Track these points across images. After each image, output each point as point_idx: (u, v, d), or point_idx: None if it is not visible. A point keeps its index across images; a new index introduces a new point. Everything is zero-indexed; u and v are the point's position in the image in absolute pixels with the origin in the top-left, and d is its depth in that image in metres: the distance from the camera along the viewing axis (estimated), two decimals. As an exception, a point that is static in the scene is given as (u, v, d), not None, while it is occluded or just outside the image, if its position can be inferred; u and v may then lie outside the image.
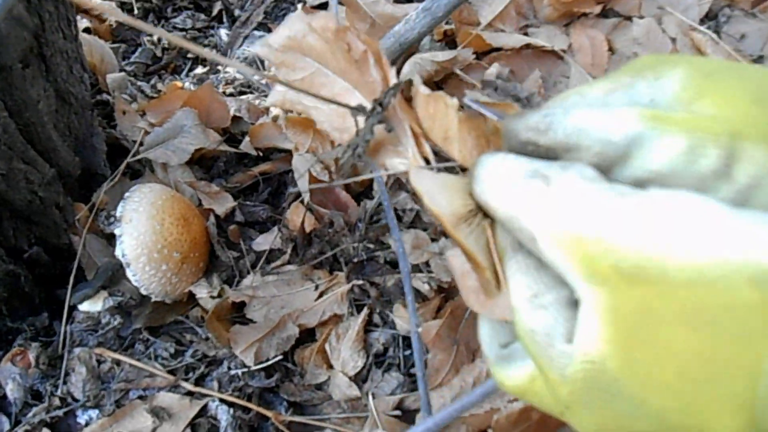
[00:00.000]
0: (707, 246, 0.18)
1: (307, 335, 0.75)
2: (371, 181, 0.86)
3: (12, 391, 0.70)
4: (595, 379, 0.20)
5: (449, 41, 1.00)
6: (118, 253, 0.74)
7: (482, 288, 0.26)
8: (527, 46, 0.90)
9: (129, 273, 0.74)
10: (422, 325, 0.69)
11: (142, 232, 0.74)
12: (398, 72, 0.91)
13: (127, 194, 0.77)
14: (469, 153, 0.27)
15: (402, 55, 0.92)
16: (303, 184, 0.87)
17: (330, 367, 0.73)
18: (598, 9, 0.97)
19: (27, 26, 0.69)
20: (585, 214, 0.20)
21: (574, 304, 0.22)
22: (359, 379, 0.71)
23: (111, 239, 0.85)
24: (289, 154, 0.94)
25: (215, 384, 0.69)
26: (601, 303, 0.19)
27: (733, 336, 0.18)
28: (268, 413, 0.65)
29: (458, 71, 0.92)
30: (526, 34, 0.93)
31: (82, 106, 0.87)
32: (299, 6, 1.11)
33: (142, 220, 0.74)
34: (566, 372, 0.21)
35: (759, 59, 0.96)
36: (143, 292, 0.76)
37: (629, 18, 0.99)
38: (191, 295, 0.78)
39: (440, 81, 0.97)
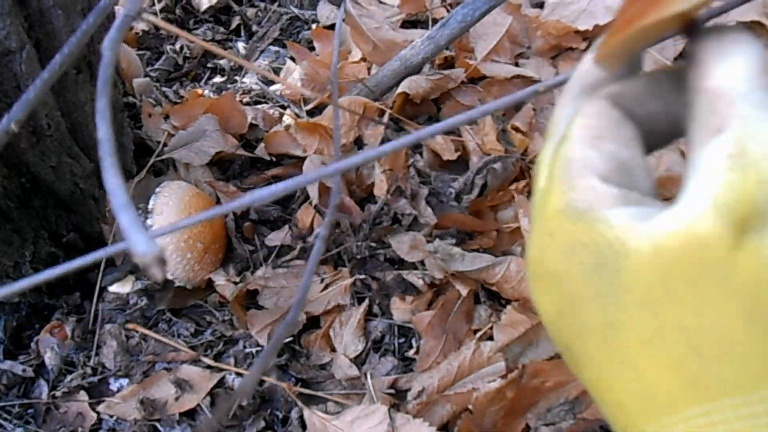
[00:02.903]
0: None
1: (312, 322, 0.85)
2: (373, 187, 0.96)
3: (50, 359, 0.78)
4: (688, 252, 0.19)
5: (449, 66, 1.11)
6: (148, 241, 0.83)
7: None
8: (517, 76, 1.00)
9: (157, 259, 0.83)
10: (417, 315, 0.79)
11: (171, 223, 0.83)
12: (396, 87, 1.02)
13: (158, 189, 0.87)
14: None
15: (406, 76, 1.03)
16: (313, 189, 0.96)
17: (333, 350, 0.82)
18: (584, 45, 1.09)
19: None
20: None
21: (626, 168, 0.21)
22: (359, 361, 0.81)
23: (136, 230, 0.94)
24: (299, 160, 1.04)
25: (232, 360, 0.78)
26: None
27: None
28: (282, 384, 0.74)
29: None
30: (516, 64, 1.04)
31: (115, 107, 0.96)
32: (313, 26, 1.22)
33: (171, 212, 0.84)
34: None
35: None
36: (168, 277, 0.85)
37: (611, 54, 1.11)
38: (209, 283, 0.88)
39: (436, 99, 1.08)
